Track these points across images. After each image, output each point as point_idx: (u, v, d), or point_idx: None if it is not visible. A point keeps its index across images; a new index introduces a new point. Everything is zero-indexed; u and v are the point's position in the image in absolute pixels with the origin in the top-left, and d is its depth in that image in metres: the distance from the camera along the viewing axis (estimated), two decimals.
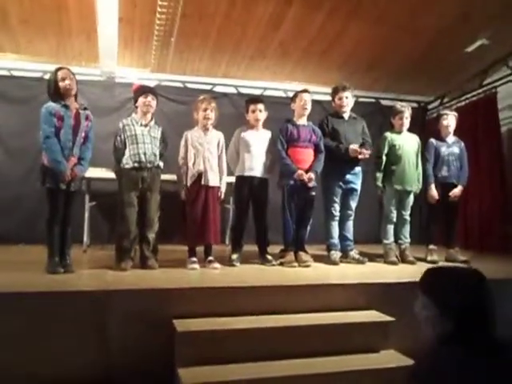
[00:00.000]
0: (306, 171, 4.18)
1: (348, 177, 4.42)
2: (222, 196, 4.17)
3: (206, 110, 4.02)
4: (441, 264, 4.30)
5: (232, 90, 6.41)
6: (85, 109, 3.67)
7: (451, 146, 4.76)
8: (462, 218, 5.40)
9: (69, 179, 3.47)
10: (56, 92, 3.52)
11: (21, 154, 5.53)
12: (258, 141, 4.29)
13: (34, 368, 2.57)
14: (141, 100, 3.91)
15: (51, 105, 3.50)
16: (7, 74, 5.71)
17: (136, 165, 3.81)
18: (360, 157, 4.31)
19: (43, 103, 3.55)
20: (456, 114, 4.90)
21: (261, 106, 4.29)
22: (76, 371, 2.64)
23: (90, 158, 3.69)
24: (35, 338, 2.64)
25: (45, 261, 3.48)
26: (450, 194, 4.63)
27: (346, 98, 4.47)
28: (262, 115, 4.30)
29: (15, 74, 5.73)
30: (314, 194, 4.29)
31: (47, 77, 5.50)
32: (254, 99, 4.46)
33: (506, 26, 4.98)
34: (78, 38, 5.19)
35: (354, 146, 4.30)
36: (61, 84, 3.51)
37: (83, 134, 3.60)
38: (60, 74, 3.52)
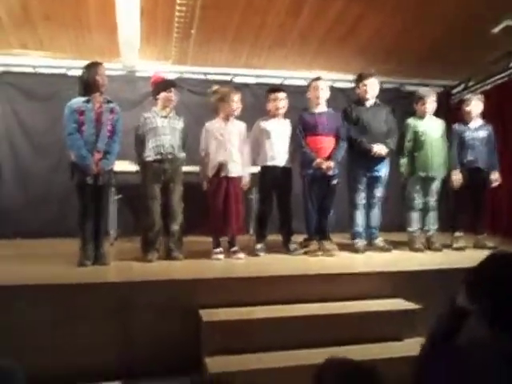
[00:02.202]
0: (327, 159, 4.15)
1: (373, 165, 4.37)
2: (247, 186, 4.18)
3: (234, 101, 4.05)
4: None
5: (252, 80, 6.40)
6: (109, 102, 3.70)
7: (476, 131, 4.67)
8: (489, 203, 5.29)
9: (94, 173, 3.53)
10: (87, 86, 3.59)
11: (46, 149, 5.68)
12: (280, 130, 4.28)
13: (61, 357, 2.66)
14: (164, 94, 3.94)
15: (73, 102, 3.58)
16: (32, 71, 5.81)
17: (158, 157, 3.86)
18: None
19: (67, 99, 3.63)
20: (481, 97, 4.79)
21: (281, 95, 4.27)
22: (103, 361, 2.71)
23: (116, 151, 3.71)
24: (64, 327, 2.72)
25: (75, 253, 3.56)
26: (492, 182, 4.59)
27: (372, 84, 4.42)
28: (283, 104, 4.28)
29: (39, 71, 5.83)
30: (335, 182, 4.26)
31: (70, 73, 5.67)
32: (275, 88, 4.46)
33: None
34: (99, 32, 5.22)
35: (378, 148, 4.27)
36: (97, 78, 3.58)
37: (109, 128, 3.63)
38: (100, 69, 3.62)
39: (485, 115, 4.79)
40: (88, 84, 3.60)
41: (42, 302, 2.73)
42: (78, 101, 3.58)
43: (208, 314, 2.81)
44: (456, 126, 4.71)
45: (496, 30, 5.27)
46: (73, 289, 2.86)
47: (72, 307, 2.76)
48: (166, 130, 3.90)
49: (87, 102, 3.57)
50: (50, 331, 2.69)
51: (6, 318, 2.63)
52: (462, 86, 6.79)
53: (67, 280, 3.00)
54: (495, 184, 4.62)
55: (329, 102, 4.37)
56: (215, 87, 4.18)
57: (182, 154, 4.00)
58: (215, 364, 2.51)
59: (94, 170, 3.52)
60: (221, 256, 3.91)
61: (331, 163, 4.12)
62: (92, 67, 3.63)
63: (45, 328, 2.69)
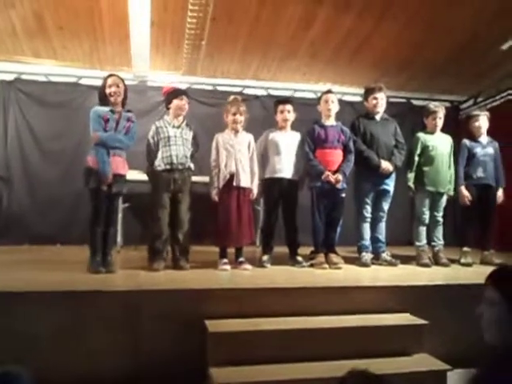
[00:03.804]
0: (335, 172, 4.15)
1: (381, 178, 4.37)
2: (254, 197, 4.19)
3: (235, 114, 4.04)
4: None
5: (262, 92, 6.44)
6: (128, 111, 3.78)
7: (486, 147, 4.66)
8: (496, 220, 5.27)
9: (110, 181, 3.55)
10: (102, 97, 3.69)
11: (57, 156, 5.75)
12: (287, 142, 4.28)
13: (70, 364, 2.65)
14: (175, 102, 3.97)
15: (99, 108, 3.66)
16: (44, 79, 5.88)
17: (168, 167, 3.88)
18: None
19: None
20: (488, 113, 4.79)
21: (289, 107, 4.29)
22: (109, 369, 2.71)
23: (126, 142, 3.70)
24: (71, 335, 2.72)
25: (83, 260, 3.58)
26: (498, 199, 4.61)
27: (381, 98, 4.44)
28: (291, 116, 4.30)
29: (52, 79, 5.90)
30: (343, 195, 4.26)
31: (82, 82, 5.74)
32: (283, 100, 4.48)
33: None
34: (111, 42, 5.30)
35: (386, 165, 4.29)
36: (107, 90, 3.65)
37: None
38: (108, 81, 3.68)
39: (492, 131, 4.79)
40: (101, 95, 3.71)
41: (50, 308, 2.73)
42: (103, 109, 3.66)
43: (214, 325, 2.80)
44: (467, 142, 4.69)
45: (504, 47, 5.29)
46: (80, 296, 2.86)
47: (79, 314, 2.76)
48: (177, 140, 3.92)
49: (112, 112, 3.64)
50: (57, 337, 2.69)
51: (13, 324, 2.63)
52: (472, 101, 6.80)
53: (75, 287, 3.00)
54: (500, 200, 4.63)
55: (337, 115, 4.38)
56: (231, 98, 4.21)
57: (191, 165, 4.02)
58: (221, 375, 2.50)
59: (110, 179, 3.54)
60: (227, 266, 3.90)
61: (340, 176, 4.12)
62: (104, 80, 3.73)
63: (51, 334, 2.69)
